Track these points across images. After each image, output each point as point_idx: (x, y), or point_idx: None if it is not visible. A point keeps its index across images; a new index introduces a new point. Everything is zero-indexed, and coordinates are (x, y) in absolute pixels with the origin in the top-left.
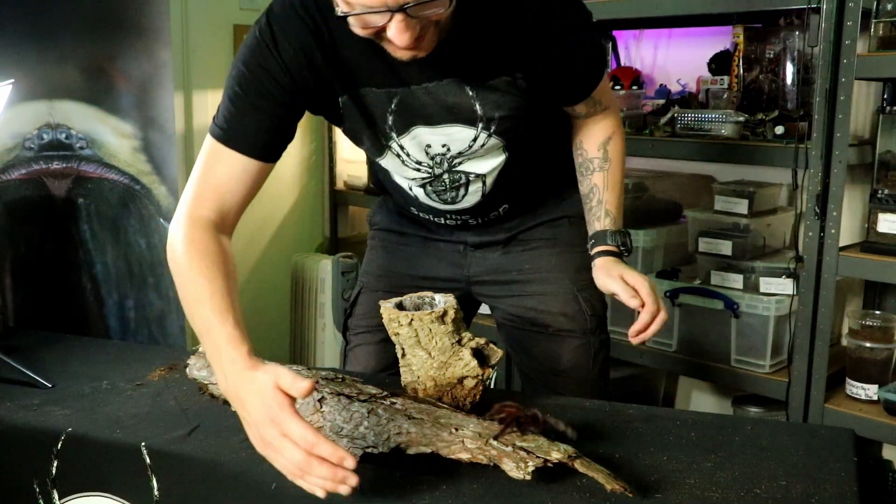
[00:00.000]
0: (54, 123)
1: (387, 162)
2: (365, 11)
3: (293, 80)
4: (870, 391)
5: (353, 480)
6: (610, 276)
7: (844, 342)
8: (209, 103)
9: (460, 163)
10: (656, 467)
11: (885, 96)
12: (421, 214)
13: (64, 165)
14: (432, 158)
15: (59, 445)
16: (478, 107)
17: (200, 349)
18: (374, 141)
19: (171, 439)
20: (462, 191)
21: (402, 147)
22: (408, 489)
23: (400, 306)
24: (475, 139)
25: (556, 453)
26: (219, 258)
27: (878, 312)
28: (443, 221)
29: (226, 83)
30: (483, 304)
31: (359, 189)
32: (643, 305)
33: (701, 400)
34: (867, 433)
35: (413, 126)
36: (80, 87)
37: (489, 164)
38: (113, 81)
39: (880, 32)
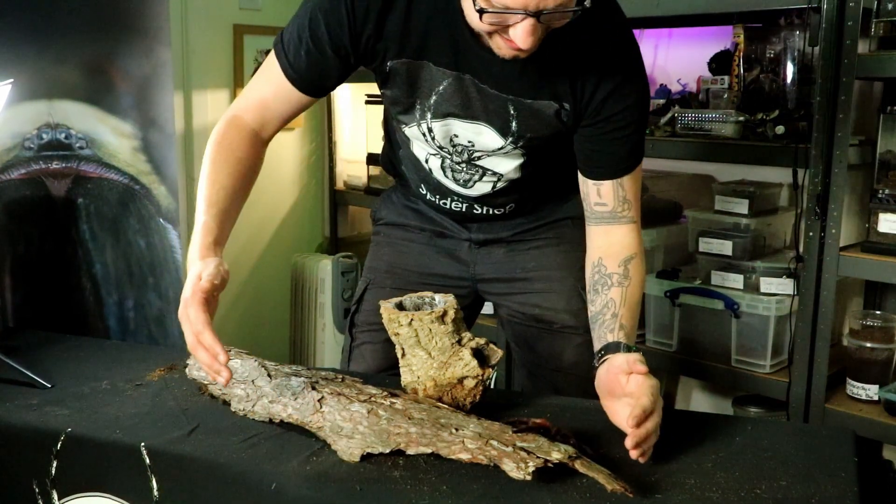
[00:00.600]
0: (54, 123)
1: (411, 132)
2: (503, 11)
3: (357, 36)
4: (870, 391)
5: (225, 375)
6: (615, 394)
7: (845, 342)
8: (209, 103)
9: (479, 158)
10: (656, 467)
11: (885, 96)
12: (429, 195)
13: (63, 165)
14: (454, 147)
15: (59, 445)
16: (514, 125)
17: None
18: (409, 110)
19: (170, 439)
20: (476, 177)
21: (430, 129)
22: (408, 489)
23: (400, 306)
24: (501, 147)
25: (557, 453)
26: (237, 157)
27: (878, 312)
28: (448, 205)
29: (300, 9)
30: (485, 304)
31: (359, 189)
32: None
33: (701, 400)
34: (868, 433)
35: (450, 116)
36: (80, 87)
37: (507, 165)
38: (113, 81)
39: (880, 32)
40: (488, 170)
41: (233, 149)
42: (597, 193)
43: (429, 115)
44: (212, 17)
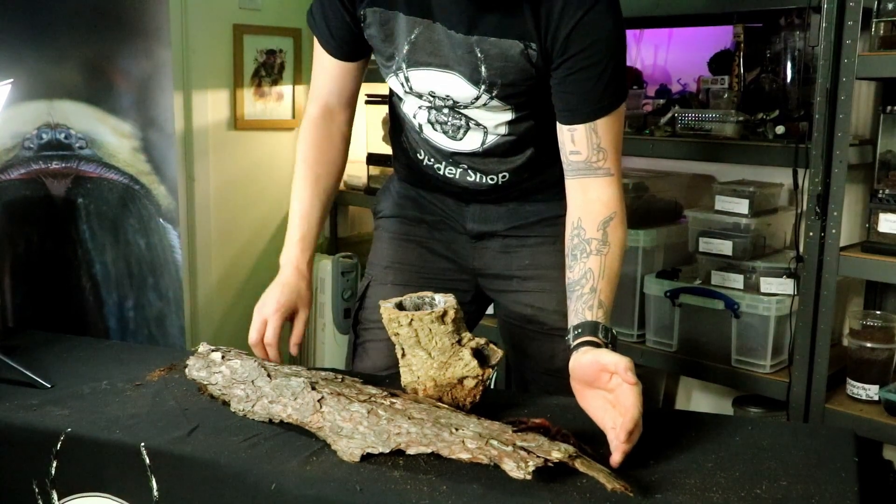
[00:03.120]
0: (54, 123)
1: (392, 83)
2: None
3: None
4: (870, 391)
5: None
6: (592, 386)
7: (845, 342)
8: (209, 103)
9: (465, 107)
10: (656, 467)
11: (885, 96)
12: (426, 160)
13: (63, 165)
14: (435, 97)
15: (59, 445)
16: (483, 69)
17: (200, 349)
18: (389, 59)
19: (170, 439)
20: (462, 128)
21: (407, 79)
22: (408, 489)
23: (400, 306)
24: (477, 97)
25: (557, 453)
26: (321, 160)
27: (878, 312)
28: (442, 171)
29: None
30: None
31: (359, 189)
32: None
33: (701, 400)
34: (868, 433)
35: (423, 66)
36: (80, 87)
37: (492, 119)
38: (112, 81)
39: (881, 32)
40: (472, 119)
41: (313, 154)
42: (571, 140)
43: (404, 65)
44: (212, 17)
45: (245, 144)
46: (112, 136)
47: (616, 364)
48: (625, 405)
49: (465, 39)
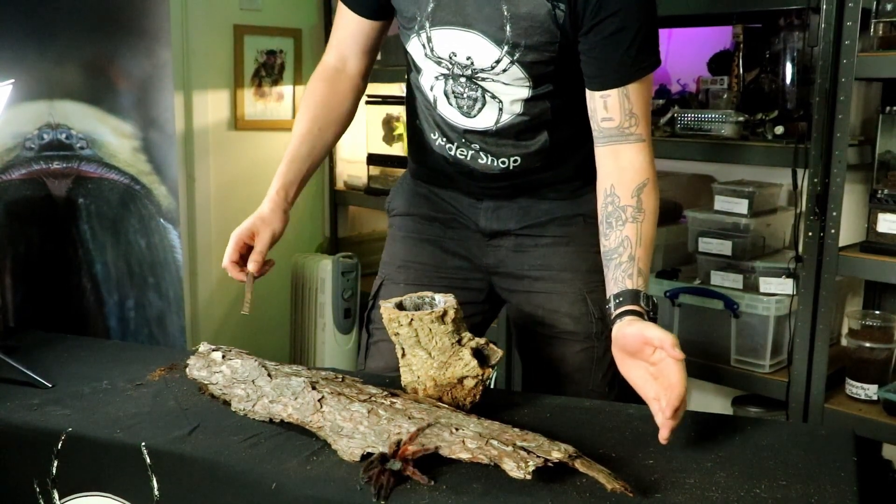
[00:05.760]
0: (54, 123)
1: (412, 46)
2: None
3: None
4: (870, 391)
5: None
6: (634, 356)
7: (844, 342)
8: (209, 103)
9: (483, 79)
10: (656, 467)
11: (885, 96)
12: (438, 140)
13: (64, 165)
14: (454, 63)
15: (60, 445)
16: (508, 28)
17: (201, 349)
18: (412, 20)
19: (171, 439)
20: (479, 102)
21: (429, 39)
22: (408, 489)
23: (400, 306)
24: (498, 61)
25: (557, 453)
26: (315, 102)
27: (877, 312)
28: (454, 153)
29: None
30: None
31: (359, 189)
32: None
33: (701, 400)
34: (867, 433)
35: (447, 25)
36: (80, 87)
37: (511, 94)
38: (113, 81)
39: (880, 32)
40: (488, 91)
41: (313, 96)
42: (603, 107)
43: (427, 24)
44: (212, 17)
45: (245, 144)
46: (113, 137)
47: (662, 340)
48: (671, 381)
49: None
